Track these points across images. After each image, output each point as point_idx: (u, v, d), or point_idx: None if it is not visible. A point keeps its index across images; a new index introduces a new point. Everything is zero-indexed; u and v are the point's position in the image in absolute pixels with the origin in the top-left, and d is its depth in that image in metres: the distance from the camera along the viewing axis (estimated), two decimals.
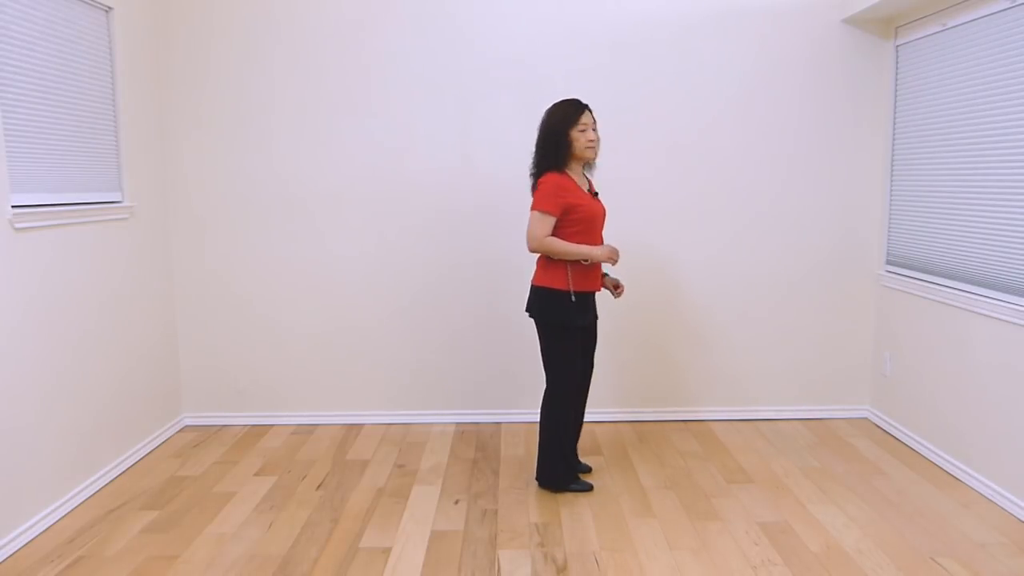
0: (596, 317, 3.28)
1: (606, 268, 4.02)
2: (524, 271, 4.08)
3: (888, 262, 4.00)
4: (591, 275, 3.11)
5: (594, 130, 3.07)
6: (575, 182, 3.08)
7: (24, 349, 2.89)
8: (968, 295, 3.29)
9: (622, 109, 3.99)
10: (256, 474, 3.50)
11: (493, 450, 3.77)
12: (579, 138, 3.04)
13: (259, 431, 4.08)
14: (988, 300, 3.16)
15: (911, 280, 3.73)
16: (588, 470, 3.45)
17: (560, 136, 3.04)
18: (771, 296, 4.12)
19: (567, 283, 3.06)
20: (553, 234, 3.04)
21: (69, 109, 3.23)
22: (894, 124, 3.93)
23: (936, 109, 3.56)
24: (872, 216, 4.08)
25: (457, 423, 4.19)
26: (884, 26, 3.94)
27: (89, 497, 3.26)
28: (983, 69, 3.22)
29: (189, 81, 3.98)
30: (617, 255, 3.06)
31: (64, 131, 3.20)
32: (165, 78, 3.98)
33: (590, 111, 3.08)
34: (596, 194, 3.19)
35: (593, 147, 3.08)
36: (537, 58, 3.97)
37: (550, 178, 3.03)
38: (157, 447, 3.86)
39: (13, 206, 2.85)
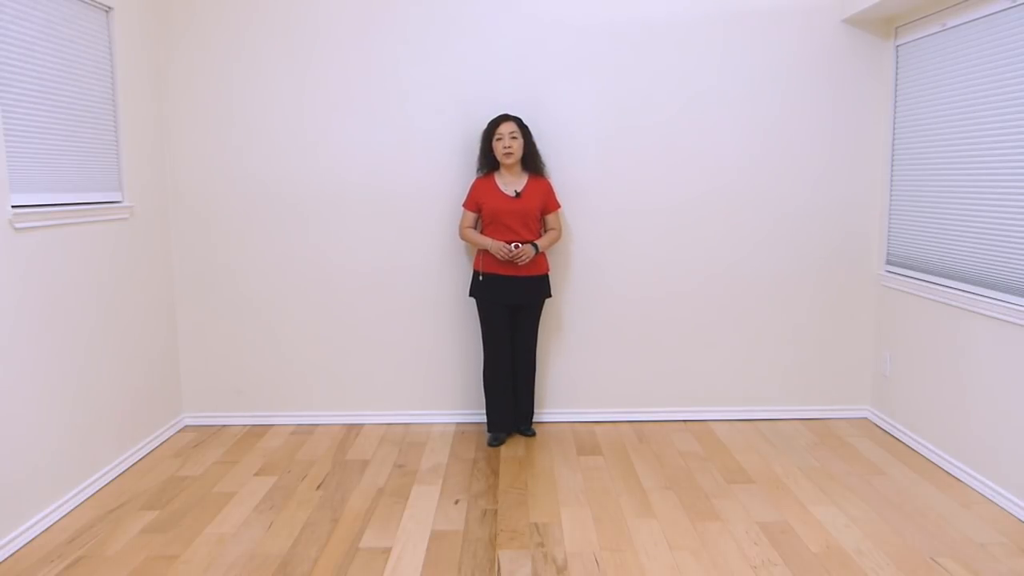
0: (530, 304, 3.81)
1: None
2: None
3: (888, 262, 4.00)
4: (502, 262, 3.71)
5: (513, 137, 3.68)
6: (495, 183, 3.76)
7: (24, 349, 2.89)
8: (968, 295, 3.29)
9: (622, 109, 3.99)
10: (256, 474, 3.50)
11: (493, 450, 3.78)
12: (496, 146, 3.72)
13: (259, 431, 4.08)
14: (988, 300, 3.16)
15: (911, 280, 3.73)
16: (531, 434, 3.96)
17: (484, 144, 3.78)
18: (771, 296, 4.12)
19: (480, 266, 3.78)
20: (476, 226, 3.84)
21: (69, 109, 3.23)
22: (894, 124, 3.93)
23: (936, 109, 3.56)
24: (872, 216, 4.08)
25: (457, 423, 4.19)
26: (884, 26, 3.94)
27: (89, 497, 3.26)
28: (983, 69, 3.22)
29: (189, 81, 3.98)
30: (503, 251, 3.65)
31: (64, 131, 3.20)
32: (165, 78, 3.99)
33: (515, 121, 3.71)
34: (519, 194, 3.71)
35: (509, 153, 3.69)
36: (538, 58, 3.97)
37: (474, 181, 3.83)
38: (157, 447, 3.86)
39: (13, 206, 2.85)
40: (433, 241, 4.08)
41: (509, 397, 3.87)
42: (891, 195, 3.97)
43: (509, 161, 3.72)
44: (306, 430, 4.09)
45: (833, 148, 4.02)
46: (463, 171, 4.01)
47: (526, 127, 3.77)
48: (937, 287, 3.50)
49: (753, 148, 4.02)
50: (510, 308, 3.83)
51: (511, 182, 3.77)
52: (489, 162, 3.80)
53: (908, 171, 3.81)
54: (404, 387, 4.19)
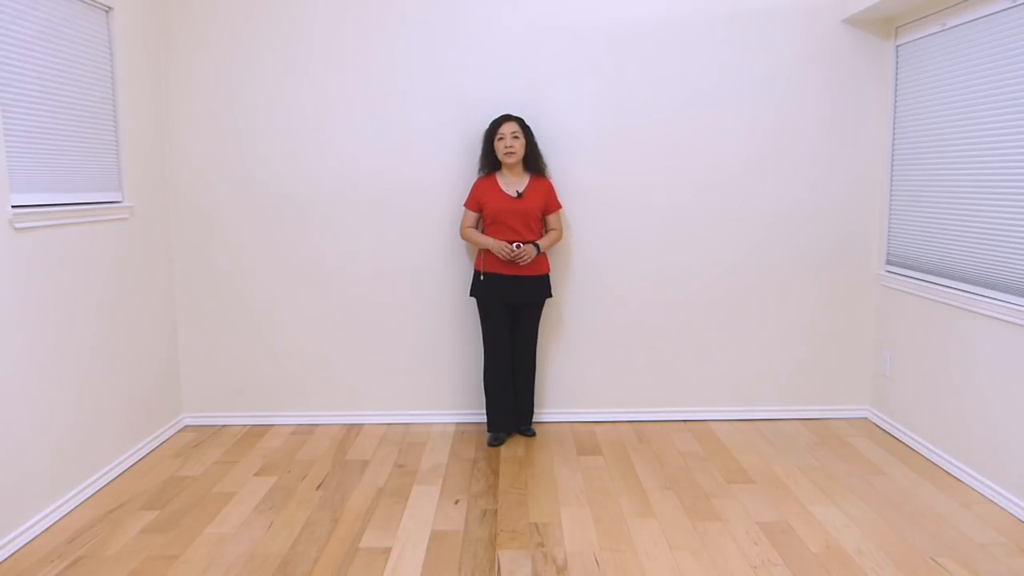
0: (531, 303, 3.82)
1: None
2: None
3: (888, 262, 4.00)
4: (504, 262, 3.72)
5: (515, 137, 3.69)
6: (497, 183, 3.77)
7: (24, 349, 2.89)
8: (968, 295, 3.29)
9: (622, 109, 3.99)
10: (256, 474, 3.50)
11: (493, 450, 3.78)
12: (498, 146, 3.73)
13: (259, 431, 4.08)
14: (988, 300, 3.16)
15: (911, 280, 3.73)
16: (531, 434, 3.97)
17: (486, 144, 3.79)
18: (771, 296, 4.12)
19: (481, 265, 3.79)
20: (477, 226, 3.84)
21: (69, 109, 3.23)
22: (894, 124, 3.93)
23: (936, 109, 3.56)
24: (872, 216, 4.08)
25: (457, 423, 4.19)
26: (884, 26, 3.94)
27: (89, 497, 3.26)
28: (983, 69, 3.22)
29: (189, 81, 3.98)
30: (505, 250, 3.66)
31: (64, 131, 3.20)
32: (165, 78, 3.98)
33: (516, 121, 3.72)
34: (520, 194, 3.73)
35: (510, 153, 3.70)
36: (538, 59, 3.97)
37: (475, 181, 3.85)
38: (157, 447, 3.86)
39: (13, 206, 2.85)
40: (434, 241, 4.08)
41: (509, 397, 3.87)
42: (891, 195, 3.97)
43: (511, 161, 3.73)
44: (306, 430, 4.09)
45: (833, 148, 4.02)
46: (464, 171, 4.01)
47: (528, 127, 3.77)
48: (937, 287, 3.51)
49: (753, 148, 4.02)
50: (511, 308, 3.84)
51: (513, 182, 3.78)
52: (491, 162, 3.81)
53: (908, 171, 3.81)
54: (404, 387, 4.19)
